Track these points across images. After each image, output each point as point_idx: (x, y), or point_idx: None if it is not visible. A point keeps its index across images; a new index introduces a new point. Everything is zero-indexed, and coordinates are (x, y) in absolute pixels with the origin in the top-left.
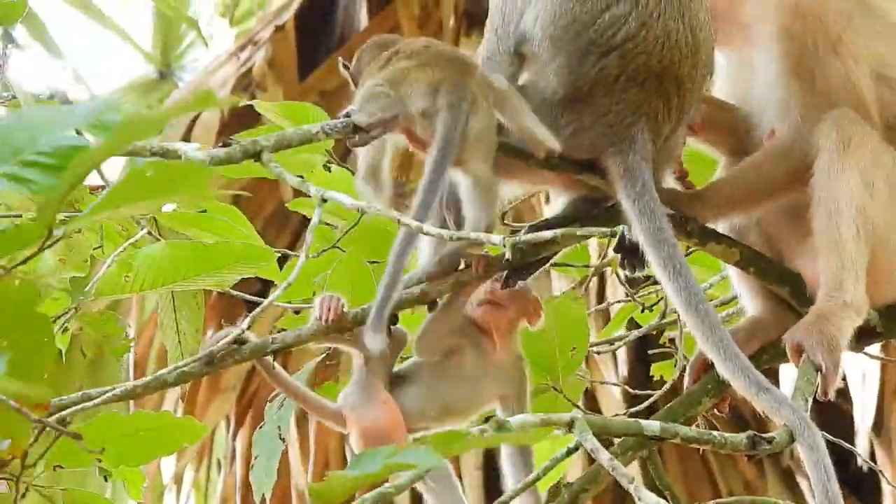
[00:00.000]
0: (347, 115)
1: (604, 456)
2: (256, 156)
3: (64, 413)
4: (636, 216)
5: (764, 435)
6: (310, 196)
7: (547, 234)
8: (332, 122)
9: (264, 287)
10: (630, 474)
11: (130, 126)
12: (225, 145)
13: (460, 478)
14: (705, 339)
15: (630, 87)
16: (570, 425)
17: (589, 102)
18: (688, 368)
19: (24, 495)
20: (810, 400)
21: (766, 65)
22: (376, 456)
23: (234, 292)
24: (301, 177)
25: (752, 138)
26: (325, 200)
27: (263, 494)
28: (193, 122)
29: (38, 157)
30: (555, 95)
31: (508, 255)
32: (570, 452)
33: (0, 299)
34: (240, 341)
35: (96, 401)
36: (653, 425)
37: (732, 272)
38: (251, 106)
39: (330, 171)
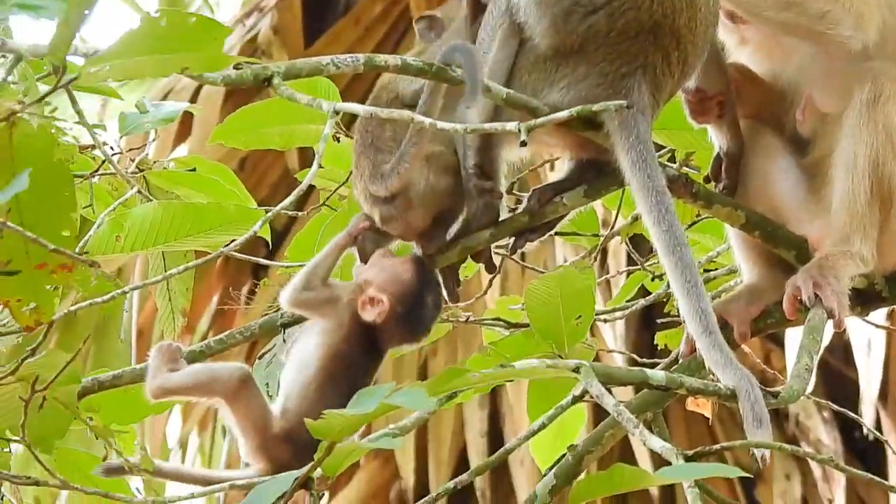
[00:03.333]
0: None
1: (609, 401)
2: (268, 80)
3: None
4: (628, 166)
5: (770, 389)
6: (322, 110)
7: (562, 114)
8: (343, 56)
9: (270, 253)
10: (635, 420)
11: None
12: (236, 68)
13: (465, 446)
14: (676, 279)
15: (622, 41)
16: (575, 371)
17: (581, 56)
18: (684, 338)
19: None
20: (816, 357)
21: None
22: (373, 395)
23: (241, 256)
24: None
25: (784, 110)
26: (336, 112)
27: None
28: (199, 89)
29: None
30: (546, 52)
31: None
32: (575, 400)
33: (19, 145)
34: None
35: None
36: (658, 374)
37: (733, 238)
38: None
39: (339, 142)
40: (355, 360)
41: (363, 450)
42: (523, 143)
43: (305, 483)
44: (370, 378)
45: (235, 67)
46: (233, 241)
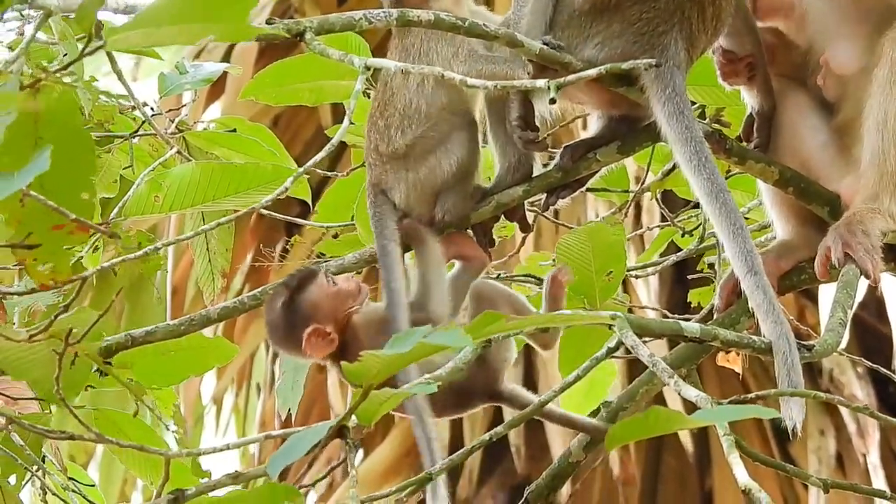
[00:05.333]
0: None
1: (643, 352)
2: (300, 35)
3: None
4: (664, 118)
5: (804, 343)
6: (353, 65)
7: (591, 71)
8: (375, 11)
9: (304, 210)
10: (670, 370)
11: None
12: (268, 23)
13: None
14: (720, 224)
15: None
16: (609, 323)
17: (618, 11)
18: (718, 290)
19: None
20: (850, 312)
21: None
22: (409, 337)
23: (276, 214)
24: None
25: (808, 75)
26: (368, 68)
27: (290, 410)
28: (231, 47)
29: None
30: (583, 6)
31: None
32: (610, 352)
33: (42, 110)
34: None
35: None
36: (692, 326)
37: (765, 194)
38: None
39: (369, 98)
40: None
41: (399, 396)
42: (552, 101)
43: (340, 432)
44: None
45: (268, 23)
46: (279, 203)
